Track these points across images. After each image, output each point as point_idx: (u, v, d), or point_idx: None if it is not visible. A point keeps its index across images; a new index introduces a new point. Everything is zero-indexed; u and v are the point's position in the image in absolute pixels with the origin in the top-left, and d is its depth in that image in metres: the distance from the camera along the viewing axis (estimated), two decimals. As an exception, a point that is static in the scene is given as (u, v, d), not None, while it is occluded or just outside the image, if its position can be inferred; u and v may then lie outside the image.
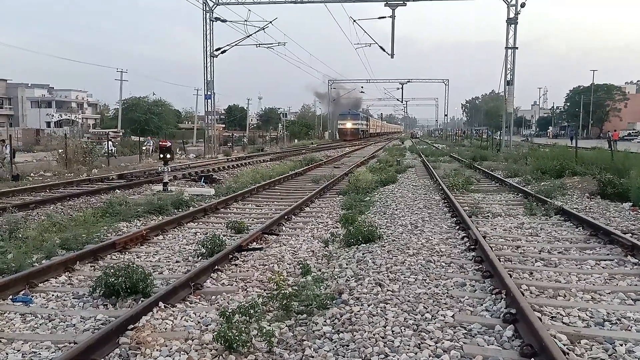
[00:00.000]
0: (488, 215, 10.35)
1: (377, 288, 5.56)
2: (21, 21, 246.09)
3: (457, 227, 9.12)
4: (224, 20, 31.88)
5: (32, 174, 18.10)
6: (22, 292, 5.60)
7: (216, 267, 6.56)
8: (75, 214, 10.09)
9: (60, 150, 20.48)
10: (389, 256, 6.90)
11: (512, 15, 31.69)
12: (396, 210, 11.15)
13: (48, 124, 77.31)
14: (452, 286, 5.66)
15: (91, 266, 6.78)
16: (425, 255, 6.98)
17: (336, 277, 6.17)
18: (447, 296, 5.31)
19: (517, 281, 5.73)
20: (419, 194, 13.79)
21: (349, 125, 71.82)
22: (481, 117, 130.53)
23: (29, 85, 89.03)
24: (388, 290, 5.50)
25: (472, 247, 7.36)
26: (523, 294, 5.21)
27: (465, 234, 8.30)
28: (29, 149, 34.63)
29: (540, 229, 8.88)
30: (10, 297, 5.46)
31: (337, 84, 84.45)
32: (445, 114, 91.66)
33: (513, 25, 31.90)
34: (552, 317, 4.76)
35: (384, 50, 33.17)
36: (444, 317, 4.72)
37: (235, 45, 29.85)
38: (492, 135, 55.27)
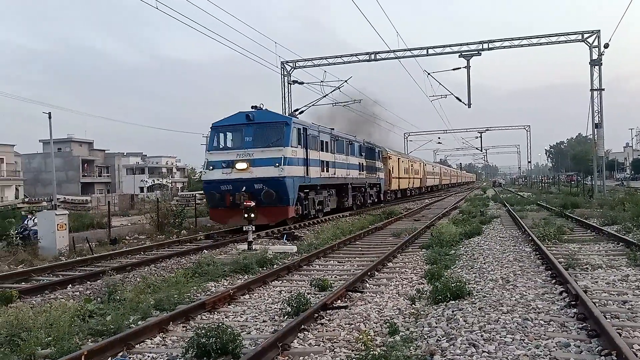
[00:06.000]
0: (587, 267, 9.64)
1: (472, 349, 5.27)
2: (110, 93, 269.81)
3: (553, 281, 8.54)
4: (301, 83, 33.20)
5: (127, 237, 19.22)
6: (120, 354, 5.83)
7: (302, 326, 6.52)
8: (167, 274, 10.51)
9: (152, 214, 21.69)
10: (481, 314, 6.55)
11: (595, 57, 30.57)
12: (484, 263, 10.67)
13: (141, 189, 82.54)
14: (554, 347, 5.25)
15: (183, 326, 6.97)
16: (521, 312, 6.56)
17: (426, 336, 5.93)
18: (549, 358, 4.92)
19: (628, 340, 5.23)
20: (507, 246, 13.15)
21: (241, 166, 17.72)
22: (568, 162, 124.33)
23: (125, 154, 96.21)
24: (483, 351, 5.18)
25: (572, 302, 6.84)
26: (637, 355, 4.73)
27: (563, 289, 7.74)
28: (125, 214, 36.97)
29: (649, 282, 8.12)
30: (110, 358, 5.70)
31: (413, 136, 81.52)
32: (529, 160, 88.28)
33: (597, 67, 30.69)
34: (675, 382, 4.22)
35: (460, 101, 32.90)
36: (549, 381, 4.35)
37: (312, 105, 30.80)
38: (582, 181, 52.25)
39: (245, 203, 14.73)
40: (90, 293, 8.76)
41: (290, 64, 33.75)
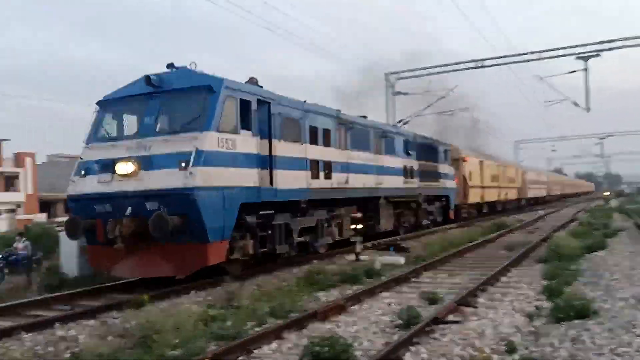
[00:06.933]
0: None
1: (601, 373, 4.90)
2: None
3: (695, 301, 7.68)
4: (405, 94, 33.01)
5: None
6: (240, 359, 6.15)
7: (414, 339, 6.47)
8: (279, 283, 10.91)
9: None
10: (611, 335, 6.06)
11: None
12: (611, 281, 9.85)
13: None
14: (700, 375, 4.73)
15: (297, 334, 7.18)
16: (659, 335, 5.98)
17: (548, 357, 5.61)
18: (695, 388, 4.44)
19: None
20: (638, 262, 12.03)
21: (123, 168, 10.04)
22: None
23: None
24: (616, 376, 4.81)
25: None
26: None
27: None
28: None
29: None
30: (231, 361, 6.02)
31: (524, 144, 77.26)
32: (659, 167, 79.87)
33: None
34: None
35: (577, 106, 30.81)
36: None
37: (417, 115, 30.49)
38: None
39: (352, 215, 14.75)
40: (211, 299, 9.32)
41: (394, 75, 33.66)
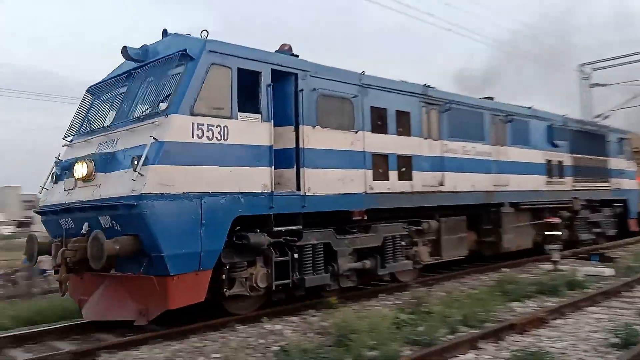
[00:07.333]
0: None
1: None
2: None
3: None
4: (603, 85, 29.76)
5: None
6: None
7: (637, 363, 5.70)
8: (467, 290, 10.54)
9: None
10: None
11: None
12: None
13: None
14: None
15: (494, 346, 6.84)
16: None
17: None
18: None
19: None
20: None
21: (79, 171, 7.80)
22: None
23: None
24: None
25: None
26: None
27: None
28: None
29: None
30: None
31: None
32: None
33: None
34: None
35: None
36: None
37: (621, 109, 27.13)
38: None
39: (547, 220, 13.65)
40: (400, 303, 9.38)
41: (590, 66, 30.49)
